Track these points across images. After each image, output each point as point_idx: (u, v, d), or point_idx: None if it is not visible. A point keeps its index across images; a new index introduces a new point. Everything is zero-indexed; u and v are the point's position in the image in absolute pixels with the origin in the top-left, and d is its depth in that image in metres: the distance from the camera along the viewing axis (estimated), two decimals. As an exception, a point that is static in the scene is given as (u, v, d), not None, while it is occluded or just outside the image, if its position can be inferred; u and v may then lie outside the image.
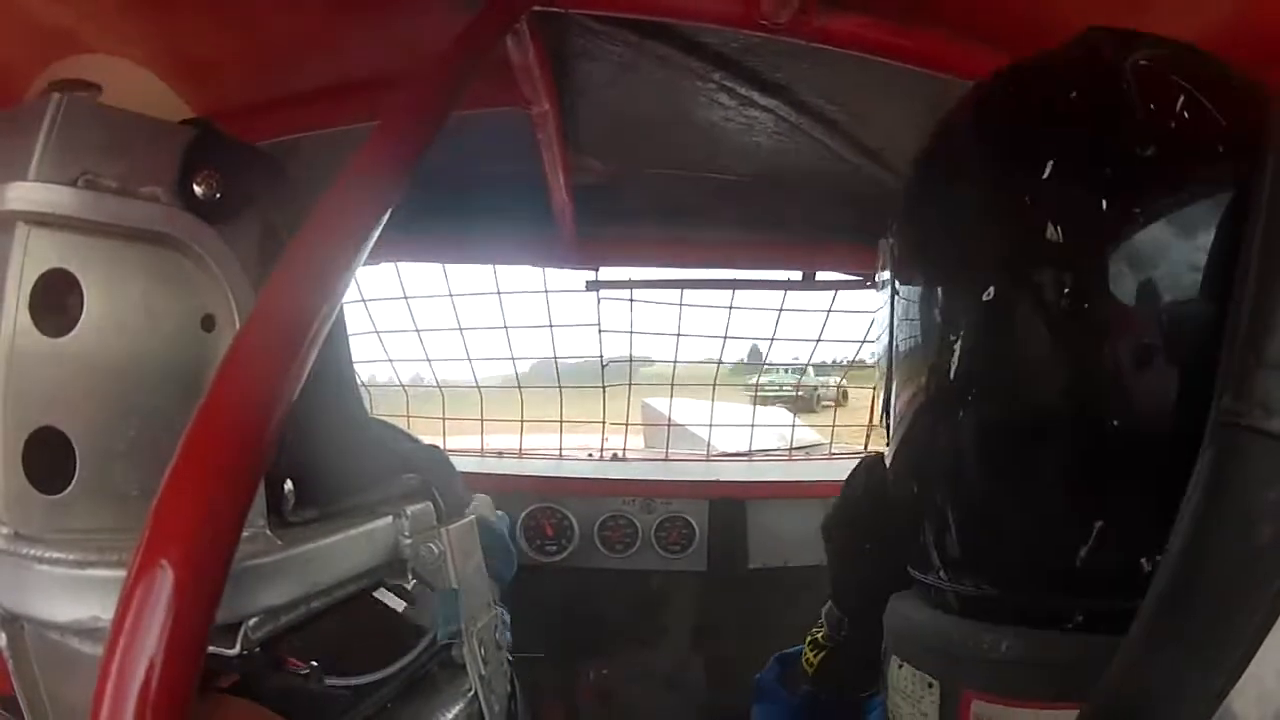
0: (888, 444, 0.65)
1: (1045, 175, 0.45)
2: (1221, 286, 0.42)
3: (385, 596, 0.70)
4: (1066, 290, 0.45)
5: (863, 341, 2.14)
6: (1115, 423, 0.44)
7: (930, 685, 0.51)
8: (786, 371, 2.86)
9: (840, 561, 0.85)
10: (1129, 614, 0.41)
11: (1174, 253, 0.44)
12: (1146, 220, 0.44)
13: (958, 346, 0.49)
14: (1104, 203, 0.44)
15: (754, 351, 2.37)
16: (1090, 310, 0.45)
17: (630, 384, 2.28)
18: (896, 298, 0.58)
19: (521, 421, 2.30)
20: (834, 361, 2.50)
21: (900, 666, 0.54)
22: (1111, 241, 0.44)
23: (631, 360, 2.24)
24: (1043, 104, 0.50)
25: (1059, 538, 0.46)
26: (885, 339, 0.61)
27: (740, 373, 2.47)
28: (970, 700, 0.48)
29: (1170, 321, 0.44)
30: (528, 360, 2.26)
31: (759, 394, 2.56)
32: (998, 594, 0.51)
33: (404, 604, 0.70)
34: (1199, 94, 0.45)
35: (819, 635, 0.88)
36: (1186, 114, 0.44)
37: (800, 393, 2.97)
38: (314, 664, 0.65)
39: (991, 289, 0.47)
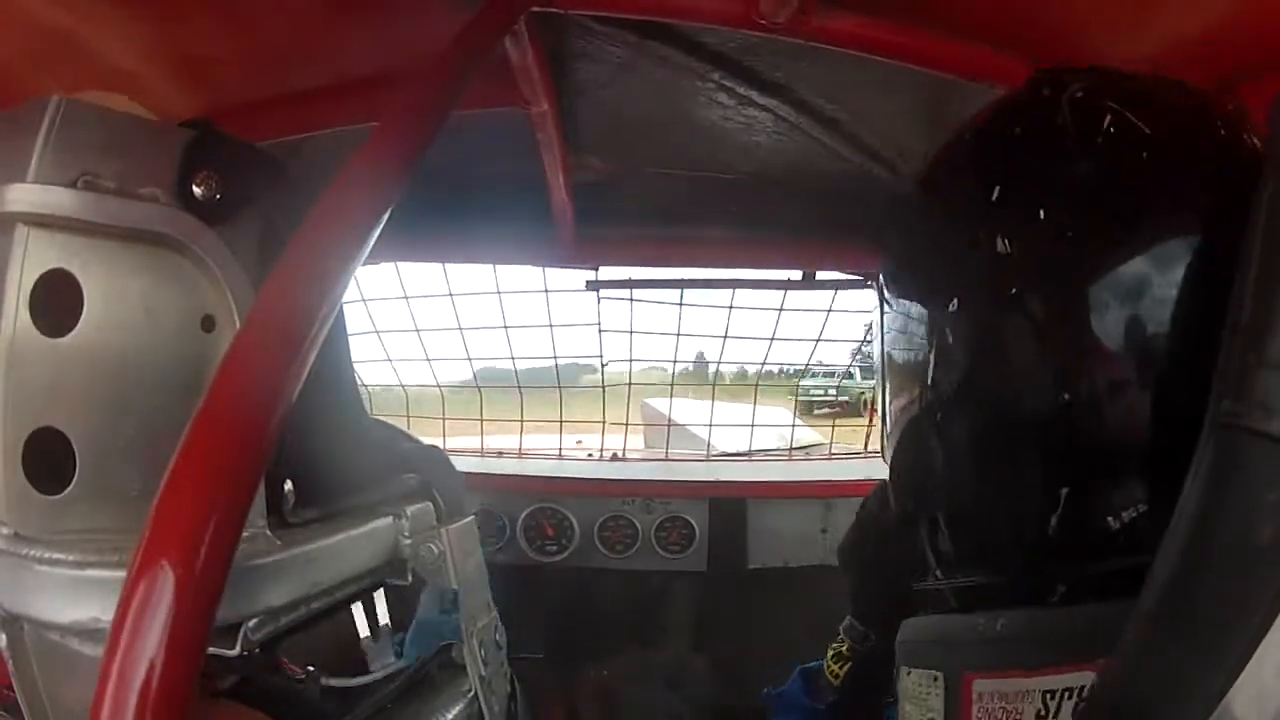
0: (881, 449, 0.69)
1: (995, 199, 0.52)
2: (1182, 285, 0.46)
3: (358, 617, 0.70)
4: (1016, 302, 0.50)
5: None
6: (1065, 395, 0.48)
7: (935, 679, 0.54)
8: (831, 376, 2.83)
9: (860, 580, 0.90)
10: (1103, 579, 0.46)
11: (1119, 261, 0.47)
12: (1089, 237, 0.48)
13: (933, 355, 0.55)
14: (1048, 225, 0.49)
15: (700, 357, 2.36)
16: (1041, 316, 0.50)
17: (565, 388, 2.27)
18: (886, 307, 0.64)
19: (521, 422, 2.30)
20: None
21: (909, 673, 0.57)
22: (1055, 256, 0.49)
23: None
24: (994, 143, 0.56)
25: (1032, 512, 0.50)
26: (877, 346, 0.67)
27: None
28: (971, 681, 0.51)
29: (1112, 312, 0.48)
30: (480, 361, 2.26)
31: (802, 399, 2.54)
32: (987, 580, 0.54)
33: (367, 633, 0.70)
34: (1134, 117, 0.49)
35: (842, 649, 0.91)
36: (1120, 137, 0.49)
37: (846, 398, 2.94)
38: (310, 669, 0.65)
39: (955, 302, 0.54)
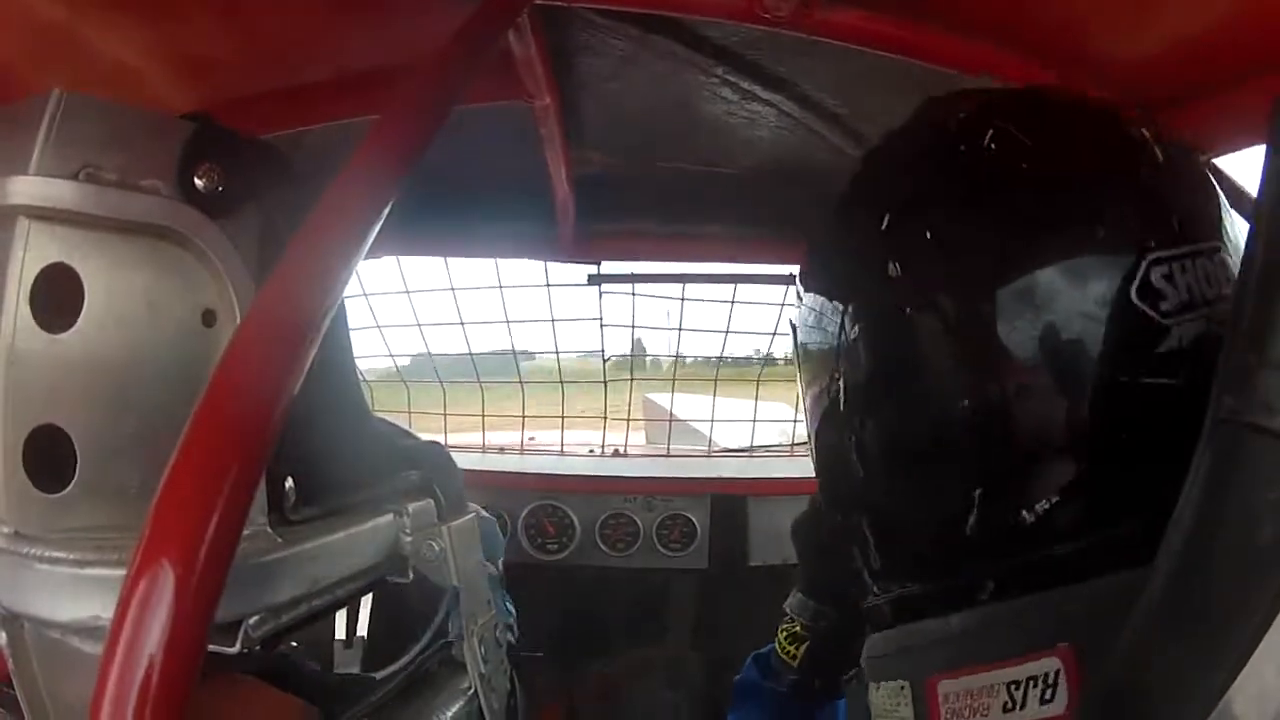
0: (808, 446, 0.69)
1: (887, 221, 0.54)
2: (1076, 295, 0.47)
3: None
4: (911, 311, 0.52)
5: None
6: (966, 402, 0.49)
7: (902, 688, 0.54)
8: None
9: (814, 558, 0.90)
10: (1028, 569, 0.48)
11: (1012, 278, 0.48)
12: (978, 255, 0.49)
13: (838, 360, 0.57)
14: (936, 242, 0.51)
15: (638, 344, 2.35)
16: (938, 330, 0.51)
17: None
18: (801, 304, 0.65)
19: (523, 418, 2.30)
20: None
21: (878, 688, 0.57)
22: (940, 270, 0.51)
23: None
24: (885, 162, 0.61)
25: (947, 516, 0.51)
26: (793, 343, 0.67)
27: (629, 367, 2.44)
28: (936, 684, 0.51)
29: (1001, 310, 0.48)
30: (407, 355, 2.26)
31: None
32: (919, 589, 0.55)
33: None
34: (1025, 137, 0.51)
35: (795, 628, 0.91)
36: (1007, 156, 0.51)
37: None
38: (294, 645, 0.65)
39: (851, 310, 0.56)
